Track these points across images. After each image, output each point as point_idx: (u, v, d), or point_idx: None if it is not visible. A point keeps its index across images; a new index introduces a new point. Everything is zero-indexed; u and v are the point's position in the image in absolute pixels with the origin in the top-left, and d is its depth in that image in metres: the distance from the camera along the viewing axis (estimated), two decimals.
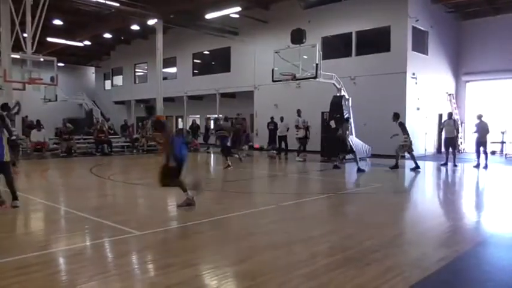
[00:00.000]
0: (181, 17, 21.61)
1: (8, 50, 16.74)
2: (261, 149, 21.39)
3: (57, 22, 22.70)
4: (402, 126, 12.22)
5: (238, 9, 19.00)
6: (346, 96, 15.73)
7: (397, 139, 12.37)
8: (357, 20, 18.17)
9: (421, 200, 8.46)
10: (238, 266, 3.99)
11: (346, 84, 16.26)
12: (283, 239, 4.84)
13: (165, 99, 22.93)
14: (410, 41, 17.17)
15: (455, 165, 13.26)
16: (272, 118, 18.43)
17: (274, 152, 17.85)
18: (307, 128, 16.16)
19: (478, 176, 11.85)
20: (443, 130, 13.92)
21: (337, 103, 15.49)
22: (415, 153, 12.79)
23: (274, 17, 21.08)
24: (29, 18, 16.64)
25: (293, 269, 3.81)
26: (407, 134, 12.23)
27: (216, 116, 21.28)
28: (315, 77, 14.37)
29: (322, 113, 16.42)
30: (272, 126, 18.29)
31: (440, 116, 18.86)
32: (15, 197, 6.47)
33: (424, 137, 18.05)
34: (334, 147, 13.08)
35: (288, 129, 17.11)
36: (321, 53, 14.93)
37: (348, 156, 13.28)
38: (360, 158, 12.78)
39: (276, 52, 15.62)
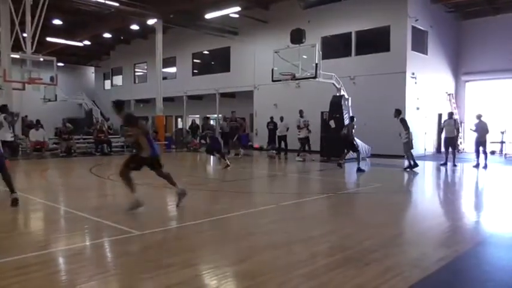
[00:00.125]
0: (181, 16, 21.61)
1: (8, 49, 16.74)
2: (260, 148, 21.39)
3: (57, 22, 22.70)
4: (403, 122, 12.18)
5: (238, 9, 18.99)
6: (346, 96, 15.73)
7: (399, 138, 12.35)
8: (356, 19, 18.17)
9: (421, 199, 8.46)
10: (238, 265, 3.98)
11: (346, 84, 16.26)
12: (283, 239, 4.83)
13: (165, 99, 22.92)
14: (410, 40, 17.18)
15: (454, 165, 13.27)
16: (272, 118, 18.43)
17: (274, 151, 17.86)
18: (307, 127, 16.13)
19: (478, 176, 11.85)
20: (444, 130, 13.92)
21: (336, 103, 15.50)
22: (414, 153, 12.78)
23: (274, 17, 21.08)
24: (28, 18, 16.64)
25: (293, 269, 3.80)
26: (408, 130, 12.19)
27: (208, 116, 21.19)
28: (315, 77, 14.37)
29: (322, 112, 16.43)
30: (272, 126, 18.29)
31: (440, 115, 18.88)
32: (12, 190, 6.52)
33: (423, 136, 18.05)
34: (342, 146, 13.04)
35: (287, 129, 17.10)
36: (320, 52, 14.94)
37: (347, 156, 13.29)
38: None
39: (276, 52, 15.63)
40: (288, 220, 5.95)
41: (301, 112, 16.10)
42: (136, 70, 31.65)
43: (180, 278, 3.57)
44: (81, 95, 31.99)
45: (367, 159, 15.52)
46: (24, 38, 16.65)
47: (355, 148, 12.35)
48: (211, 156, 14.64)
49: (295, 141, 16.28)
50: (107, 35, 26.51)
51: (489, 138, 13.84)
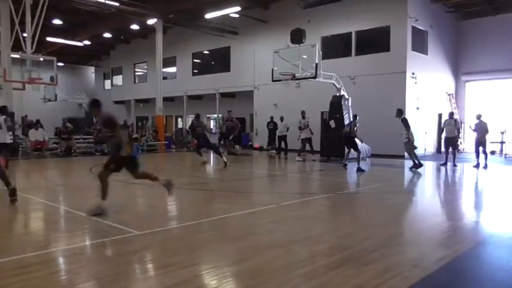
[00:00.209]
0: (181, 16, 21.62)
1: (8, 49, 16.74)
2: (260, 148, 21.40)
3: (57, 22, 22.72)
4: (405, 122, 12.19)
5: (238, 9, 18.99)
6: (346, 96, 15.74)
7: (401, 138, 12.35)
8: (356, 19, 18.17)
9: (421, 199, 8.46)
10: (238, 265, 3.99)
11: (346, 84, 16.26)
12: (283, 239, 4.84)
13: (165, 99, 22.94)
14: (410, 40, 17.18)
15: (454, 165, 13.27)
16: (272, 118, 18.43)
17: (274, 151, 17.86)
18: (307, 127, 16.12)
19: (478, 176, 11.85)
20: (444, 130, 13.92)
21: (336, 103, 15.51)
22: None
23: (274, 16, 21.08)
24: (28, 17, 16.64)
25: (293, 269, 3.81)
26: (409, 130, 12.17)
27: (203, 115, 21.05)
28: (315, 77, 14.37)
29: (322, 112, 16.43)
30: (272, 126, 18.29)
31: (440, 115, 18.89)
32: (8, 183, 6.59)
33: (423, 136, 18.05)
34: (343, 145, 13.01)
35: (287, 129, 17.10)
36: (320, 52, 14.95)
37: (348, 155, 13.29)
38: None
39: (276, 52, 15.63)
40: (288, 220, 5.95)
41: (303, 113, 16.07)
42: (136, 70, 31.65)
43: (180, 278, 3.57)
44: (81, 94, 32.00)
45: (367, 159, 15.52)
46: (24, 37, 16.65)
47: (356, 147, 12.32)
48: (210, 156, 14.65)
49: (295, 141, 16.28)
50: (107, 35, 26.52)
51: (489, 138, 13.85)
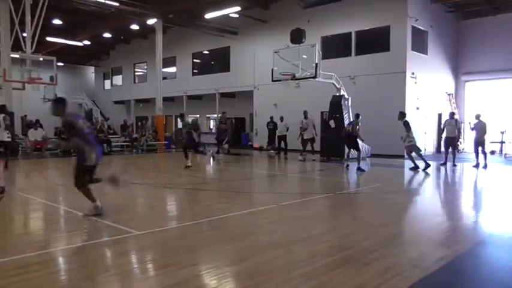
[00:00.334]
0: (181, 16, 21.62)
1: (8, 49, 16.75)
2: (260, 148, 21.39)
3: (57, 22, 22.72)
4: (406, 125, 12.20)
5: (238, 8, 18.99)
6: (346, 96, 15.74)
7: (400, 140, 12.35)
8: (356, 19, 18.17)
9: (420, 199, 8.46)
10: (238, 265, 3.98)
11: (346, 84, 16.26)
12: (283, 239, 4.83)
13: (165, 99, 22.95)
14: (410, 40, 17.18)
15: (454, 165, 13.27)
16: (272, 118, 18.43)
17: (274, 151, 17.85)
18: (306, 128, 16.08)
19: (477, 176, 11.84)
20: (445, 129, 13.92)
21: (336, 103, 15.50)
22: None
23: (273, 16, 21.08)
24: (28, 17, 16.65)
25: (292, 269, 3.81)
26: (410, 133, 12.18)
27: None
28: (315, 77, 14.37)
29: (322, 112, 16.43)
30: (271, 126, 18.29)
31: (440, 115, 18.89)
32: None
33: (423, 136, 18.05)
34: (343, 145, 12.98)
35: (287, 129, 17.10)
36: (320, 52, 14.94)
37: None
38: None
39: (276, 52, 15.63)
40: (288, 220, 5.95)
41: (305, 113, 16.00)
42: (136, 70, 31.65)
43: (179, 278, 3.56)
44: (81, 94, 31.98)
45: (367, 159, 15.52)
46: (24, 37, 16.66)
47: (357, 146, 12.29)
48: (210, 156, 14.64)
49: (295, 141, 16.26)
50: (106, 35, 26.51)
51: (489, 138, 13.85)
